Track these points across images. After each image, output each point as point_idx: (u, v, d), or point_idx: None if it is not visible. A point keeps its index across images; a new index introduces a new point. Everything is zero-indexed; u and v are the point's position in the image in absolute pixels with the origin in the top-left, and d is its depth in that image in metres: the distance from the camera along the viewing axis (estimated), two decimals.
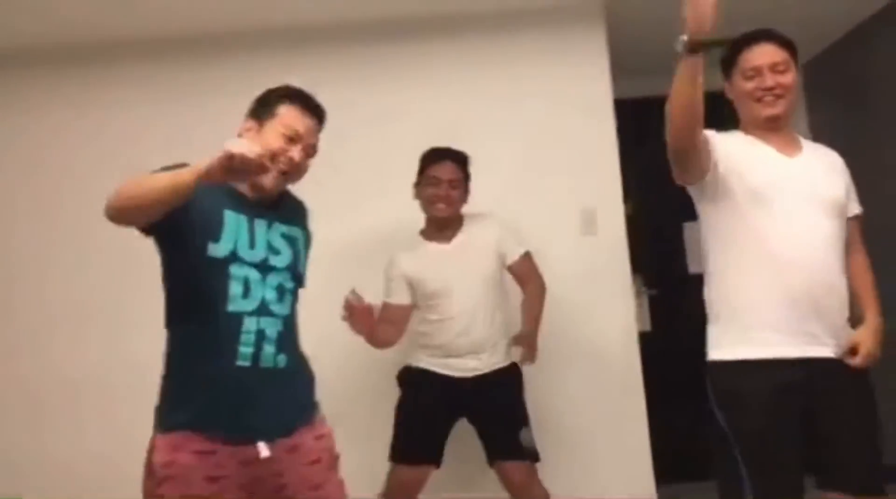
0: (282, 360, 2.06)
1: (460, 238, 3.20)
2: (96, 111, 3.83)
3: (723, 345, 2.32)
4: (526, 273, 3.26)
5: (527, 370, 3.30)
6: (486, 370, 3.11)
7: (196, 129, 3.50)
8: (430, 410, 3.09)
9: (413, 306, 3.20)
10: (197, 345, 2.00)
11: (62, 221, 3.76)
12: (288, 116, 2.11)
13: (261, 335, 2.01)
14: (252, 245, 2.05)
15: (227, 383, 1.98)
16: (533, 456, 3.11)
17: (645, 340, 3.81)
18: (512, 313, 3.25)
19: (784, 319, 2.24)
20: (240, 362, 1.98)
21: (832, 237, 2.31)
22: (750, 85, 2.36)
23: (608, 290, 3.71)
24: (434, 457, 3.10)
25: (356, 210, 3.71)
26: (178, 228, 1.94)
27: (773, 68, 2.34)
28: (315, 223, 2.31)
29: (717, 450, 2.33)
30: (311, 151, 2.15)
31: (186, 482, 1.94)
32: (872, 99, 4.35)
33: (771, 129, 2.38)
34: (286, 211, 2.19)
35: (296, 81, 2.25)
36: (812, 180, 2.33)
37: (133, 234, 1.99)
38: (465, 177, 3.23)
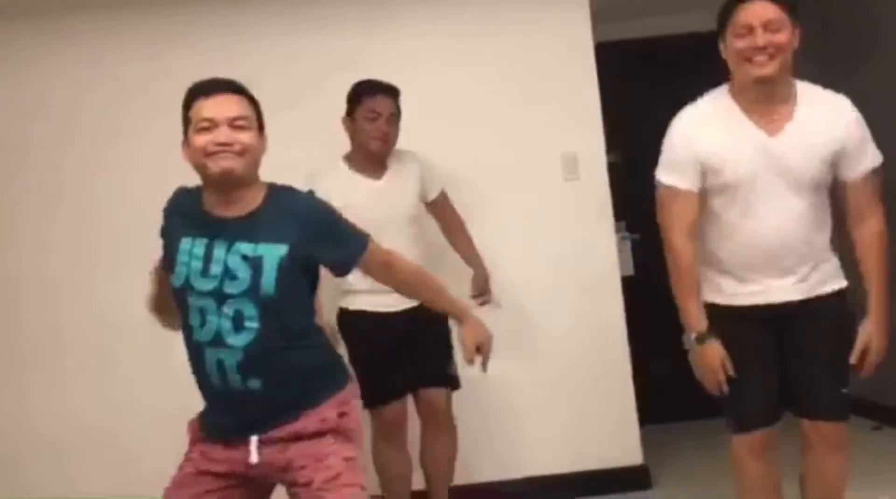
0: (254, 384, 1.97)
1: (389, 175, 3.16)
2: (107, 57, 3.72)
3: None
4: (447, 210, 3.32)
5: (509, 315, 3.33)
6: (409, 305, 3.03)
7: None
8: (377, 348, 3.08)
9: None
10: (190, 359, 2.06)
11: (67, 170, 3.67)
12: (197, 112, 2.00)
13: (220, 365, 1.97)
14: (205, 272, 1.96)
15: (214, 399, 2.05)
16: (456, 383, 3.21)
17: (628, 284, 3.83)
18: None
19: (752, 279, 2.41)
20: (215, 385, 2.01)
21: (804, 214, 2.36)
22: (741, 44, 2.28)
23: (591, 234, 3.71)
24: (402, 390, 3.14)
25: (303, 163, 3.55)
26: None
27: (767, 26, 2.25)
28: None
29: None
30: (239, 122, 1.99)
31: (188, 476, 2.05)
32: (850, 37, 4.34)
33: (762, 91, 2.32)
34: (258, 226, 2.00)
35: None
36: (787, 162, 2.32)
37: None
38: (399, 112, 3.16)
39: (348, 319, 3.15)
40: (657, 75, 4.49)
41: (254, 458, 1.99)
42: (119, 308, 3.40)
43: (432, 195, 3.28)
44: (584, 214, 3.72)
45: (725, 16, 2.34)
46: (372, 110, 3.09)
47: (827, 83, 2.45)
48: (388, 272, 2.21)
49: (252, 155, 2.00)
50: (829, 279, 2.43)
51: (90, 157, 3.63)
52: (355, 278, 3.06)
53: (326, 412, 2.03)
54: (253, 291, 1.96)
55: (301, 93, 3.61)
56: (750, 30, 2.27)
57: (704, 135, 2.37)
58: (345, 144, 3.19)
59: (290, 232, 1.99)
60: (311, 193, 2.22)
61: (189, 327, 2.01)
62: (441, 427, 3.22)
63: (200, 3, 3.68)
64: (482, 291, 3.33)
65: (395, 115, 3.15)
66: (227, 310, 1.96)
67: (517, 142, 3.72)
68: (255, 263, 1.96)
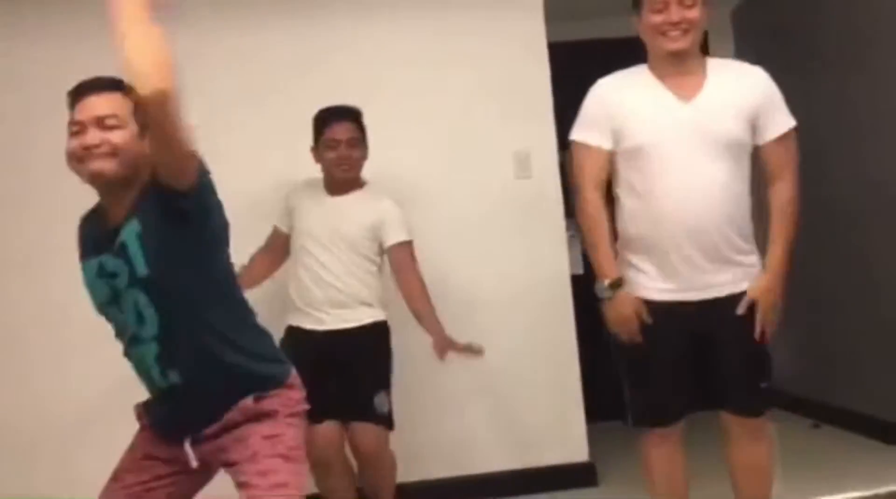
0: (174, 376, 1.94)
1: (350, 198, 3.12)
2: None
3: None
4: (402, 260, 3.10)
5: (460, 313, 3.32)
6: (349, 326, 3.05)
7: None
8: (305, 367, 3.00)
9: (288, 237, 3.18)
10: None
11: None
12: (71, 115, 1.90)
13: (143, 362, 1.96)
14: (101, 286, 1.93)
15: (154, 401, 2.04)
16: (386, 422, 3.04)
17: (577, 283, 3.86)
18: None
19: (669, 268, 2.43)
20: (149, 386, 2.01)
21: (721, 179, 2.38)
22: (657, 18, 2.39)
23: (542, 233, 3.73)
24: (334, 413, 2.99)
25: (266, 163, 3.61)
26: None
27: (681, 3, 2.37)
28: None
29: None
30: (108, 121, 1.86)
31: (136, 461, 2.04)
32: (798, 45, 4.43)
33: (675, 64, 2.42)
34: (129, 217, 1.88)
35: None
36: (702, 124, 2.37)
37: None
38: (363, 133, 3.14)
39: (289, 334, 3.09)
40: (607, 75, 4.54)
41: (193, 463, 1.98)
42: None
43: (389, 242, 3.10)
44: (535, 212, 3.74)
45: None
46: (331, 139, 3.08)
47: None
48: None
49: (127, 154, 1.86)
50: (748, 277, 2.46)
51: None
52: (294, 293, 3.10)
53: (246, 402, 1.98)
54: (132, 278, 1.87)
55: (262, 92, 3.59)
56: (665, 5, 2.38)
57: (616, 95, 2.48)
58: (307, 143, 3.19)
59: (137, 205, 1.87)
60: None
61: (121, 343, 2.00)
62: (371, 467, 3.08)
63: None
64: (442, 350, 3.09)
65: (359, 138, 3.12)
66: (126, 305, 1.91)
67: (469, 139, 3.72)
68: (123, 251, 1.87)
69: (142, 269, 1.86)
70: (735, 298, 2.43)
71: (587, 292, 4.08)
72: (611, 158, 2.48)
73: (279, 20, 3.69)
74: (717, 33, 4.92)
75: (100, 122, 1.85)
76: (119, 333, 1.99)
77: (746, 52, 4.84)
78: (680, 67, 2.43)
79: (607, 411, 4.19)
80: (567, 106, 3.92)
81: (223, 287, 2.00)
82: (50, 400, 3.51)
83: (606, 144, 2.46)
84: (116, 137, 1.85)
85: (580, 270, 4.37)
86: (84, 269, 1.96)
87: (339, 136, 3.09)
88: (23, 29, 3.59)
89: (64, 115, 1.91)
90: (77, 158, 1.86)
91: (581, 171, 2.50)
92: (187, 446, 1.97)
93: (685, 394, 2.48)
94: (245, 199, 3.29)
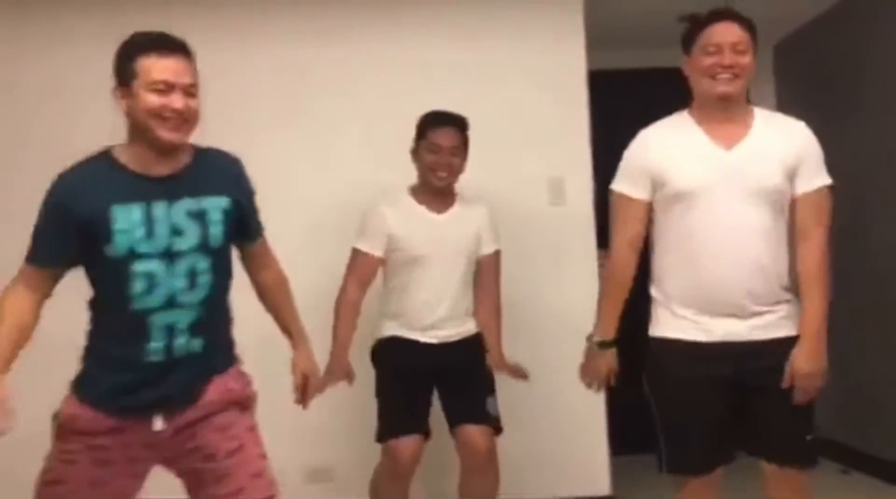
0: (197, 344, 2.00)
1: (453, 212, 3.11)
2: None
3: (657, 323, 2.46)
4: (491, 270, 3.19)
5: None
6: (451, 339, 3.07)
7: None
8: (409, 377, 3.01)
9: (382, 261, 3.10)
10: (111, 334, 2.01)
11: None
12: (149, 70, 1.93)
13: (170, 329, 1.97)
14: (151, 234, 1.94)
15: (136, 370, 1.99)
16: (497, 424, 3.06)
17: None
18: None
19: (707, 308, 2.36)
20: (151, 357, 1.98)
21: (761, 226, 2.34)
22: (709, 61, 2.36)
23: (574, 260, 3.71)
24: (423, 426, 2.99)
25: (319, 176, 3.66)
26: (80, 245, 1.96)
27: (734, 47, 2.35)
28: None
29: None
30: (190, 90, 1.98)
31: (74, 455, 1.97)
32: (840, 82, 4.39)
33: (721, 108, 2.39)
34: (195, 181, 2.02)
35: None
36: (742, 173, 2.33)
37: None
38: (466, 143, 3.12)
39: (381, 345, 3.09)
40: (646, 106, 4.51)
41: (158, 425, 1.97)
42: None
43: (486, 251, 3.17)
44: (568, 239, 3.72)
45: (693, 34, 2.42)
46: (434, 143, 3.05)
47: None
48: (264, 263, 2.24)
49: (197, 121, 2.01)
50: (787, 322, 2.39)
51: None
52: (386, 303, 3.09)
53: (231, 382, 2.06)
54: (203, 244, 1.99)
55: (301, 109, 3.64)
56: (719, 48, 2.35)
57: (657, 144, 2.44)
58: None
59: (228, 186, 2.07)
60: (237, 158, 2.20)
61: (126, 298, 1.95)
62: (481, 472, 3.02)
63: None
64: (496, 367, 3.16)
65: (461, 146, 3.09)
66: (180, 268, 1.96)
67: (504, 164, 3.72)
68: (201, 216, 1.99)
69: (217, 240, 2.01)
70: (775, 343, 2.35)
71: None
72: (649, 209, 2.45)
73: (318, 39, 3.73)
74: (758, 69, 4.89)
75: (186, 89, 1.97)
76: (143, 292, 1.94)
77: (787, 88, 4.81)
78: (725, 113, 2.39)
79: (632, 444, 4.16)
80: (603, 134, 3.95)
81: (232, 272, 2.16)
82: None
83: (645, 196, 2.43)
84: (196, 104, 2.00)
85: None
86: (116, 212, 1.94)
87: (443, 142, 3.04)
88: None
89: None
90: (161, 117, 1.94)
91: (617, 223, 2.48)
92: (158, 421, 1.97)
93: (725, 447, 2.41)
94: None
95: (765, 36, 4.65)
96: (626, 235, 2.46)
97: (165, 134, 1.94)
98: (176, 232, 1.96)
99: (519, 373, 3.15)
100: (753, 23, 2.42)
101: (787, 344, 2.37)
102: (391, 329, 3.07)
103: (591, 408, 3.67)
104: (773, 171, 2.35)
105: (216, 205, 2.01)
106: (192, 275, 1.97)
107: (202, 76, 2.04)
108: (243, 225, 2.12)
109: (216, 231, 2.00)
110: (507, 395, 3.30)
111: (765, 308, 2.36)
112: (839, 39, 4.37)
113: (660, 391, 2.44)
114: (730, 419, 2.38)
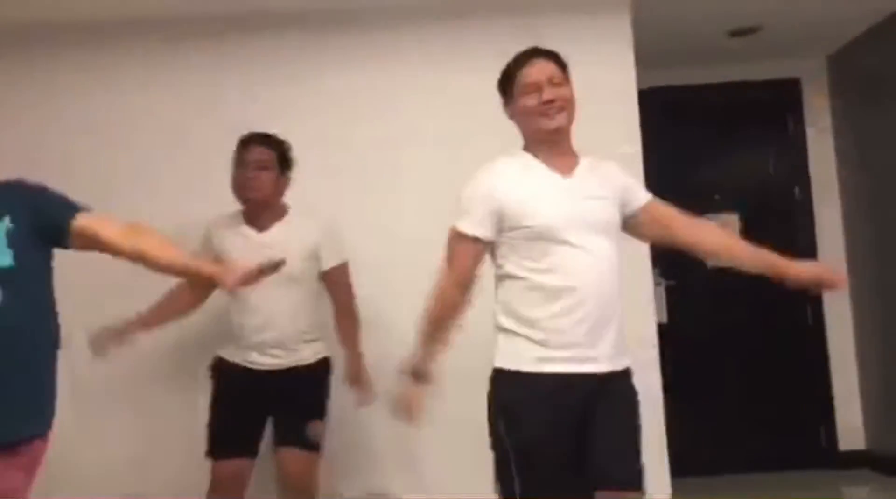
0: None
1: (276, 230, 3.06)
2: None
3: (506, 355, 2.37)
4: (337, 283, 3.13)
5: None
6: (288, 365, 3.03)
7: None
8: (239, 402, 3.02)
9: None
10: None
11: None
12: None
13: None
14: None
15: None
16: (314, 446, 3.02)
17: (662, 331, 3.79)
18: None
19: (563, 341, 2.31)
20: None
21: (609, 257, 2.38)
22: (532, 100, 2.37)
23: (628, 280, 3.66)
24: (249, 450, 3.03)
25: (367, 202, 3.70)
26: None
27: (551, 81, 2.37)
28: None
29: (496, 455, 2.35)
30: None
31: None
32: (893, 93, 4.31)
33: (554, 142, 2.40)
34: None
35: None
36: (586, 202, 2.36)
37: None
38: (280, 161, 3.06)
39: (222, 366, 3.10)
40: (698, 122, 4.50)
41: None
42: None
43: (328, 265, 3.10)
44: (622, 259, 3.68)
45: (509, 79, 2.45)
46: (240, 159, 3.04)
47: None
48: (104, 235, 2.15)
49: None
50: (626, 353, 2.40)
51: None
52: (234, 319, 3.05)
53: (40, 449, 2.07)
54: None
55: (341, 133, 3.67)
56: (537, 86, 2.37)
57: (503, 181, 2.38)
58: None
59: (11, 206, 2.09)
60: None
61: None
62: (291, 493, 3.03)
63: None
64: (354, 383, 3.13)
65: (270, 161, 3.03)
66: None
67: None
68: None
69: (7, 259, 2.06)
70: (617, 375, 2.36)
71: (673, 341, 4.06)
72: (490, 248, 2.40)
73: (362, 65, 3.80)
74: (812, 80, 4.84)
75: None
76: None
77: (843, 98, 4.73)
78: (558, 147, 2.41)
79: (690, 465, 4.10)
80: (654, 151, 3.93)
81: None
82: None
83: (487, 235, 2.37)
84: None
85: (664, 319, 4.31)
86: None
87: (248, 156, 3.01)
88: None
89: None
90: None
91: (451, 260, 2.40)
92: None
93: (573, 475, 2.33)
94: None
95: (819, 46, 4.62)
96: (458, 273, 2.39)
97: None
98: None
99: (364, 396, 3.10)
100: (561, 56, 2.44)
101: (625, 373, 2.41)
102: (229, 354, 3.09)
103: (649, 427, 3.56)
104: (607, 200, 2.41)
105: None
106: None
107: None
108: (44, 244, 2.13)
109: (2, 250, 2.04)
110: None
111: (613, 336, 2.37)
112: (894, 49, 4.30)
113: (515, 430, 2.31)
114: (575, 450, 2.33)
